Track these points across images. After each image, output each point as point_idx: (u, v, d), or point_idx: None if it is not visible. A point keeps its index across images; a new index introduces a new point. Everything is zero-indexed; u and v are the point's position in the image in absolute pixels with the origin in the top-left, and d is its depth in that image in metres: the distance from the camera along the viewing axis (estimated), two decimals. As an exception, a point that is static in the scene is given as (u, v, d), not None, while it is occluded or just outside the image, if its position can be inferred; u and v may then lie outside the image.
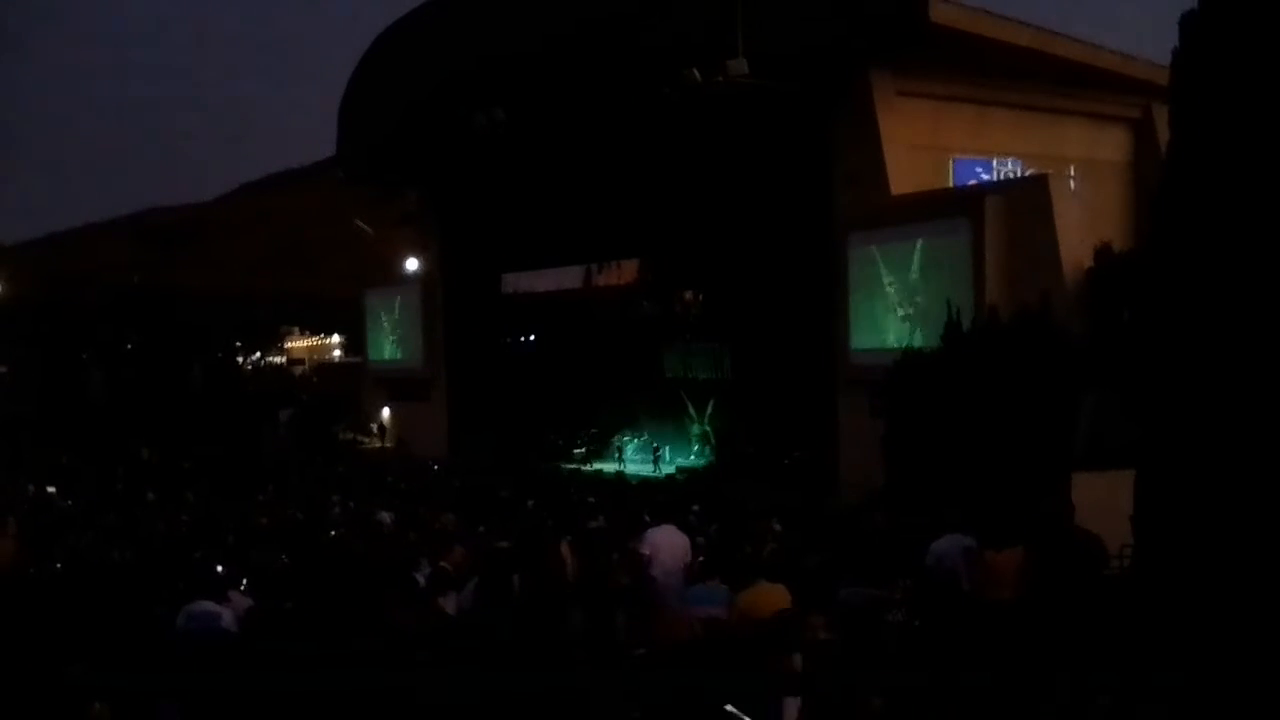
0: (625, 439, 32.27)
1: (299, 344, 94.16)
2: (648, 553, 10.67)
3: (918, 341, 21.47)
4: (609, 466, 30.59)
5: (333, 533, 16.40)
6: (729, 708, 5.41)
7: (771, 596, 8.15)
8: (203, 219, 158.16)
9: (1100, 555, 8.83)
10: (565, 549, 11.47)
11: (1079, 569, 8.14)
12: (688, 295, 31.48)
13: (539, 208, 32.45)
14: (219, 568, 11.18)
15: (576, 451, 32.63)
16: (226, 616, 8.91)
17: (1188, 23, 7.79)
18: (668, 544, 10.86)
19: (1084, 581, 8.04)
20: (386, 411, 39.81)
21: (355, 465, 32.46)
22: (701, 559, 10.78)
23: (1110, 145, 27.32)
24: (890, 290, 23.24)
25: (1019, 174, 25.20)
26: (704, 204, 27.68)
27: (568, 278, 33.05)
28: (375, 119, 34.40)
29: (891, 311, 23.19)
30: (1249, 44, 7.38)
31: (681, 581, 10.17)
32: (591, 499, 19.65)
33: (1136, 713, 4.80)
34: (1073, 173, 25.45)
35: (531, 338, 35.66)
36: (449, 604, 9.43)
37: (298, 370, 74.47)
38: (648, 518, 13.47)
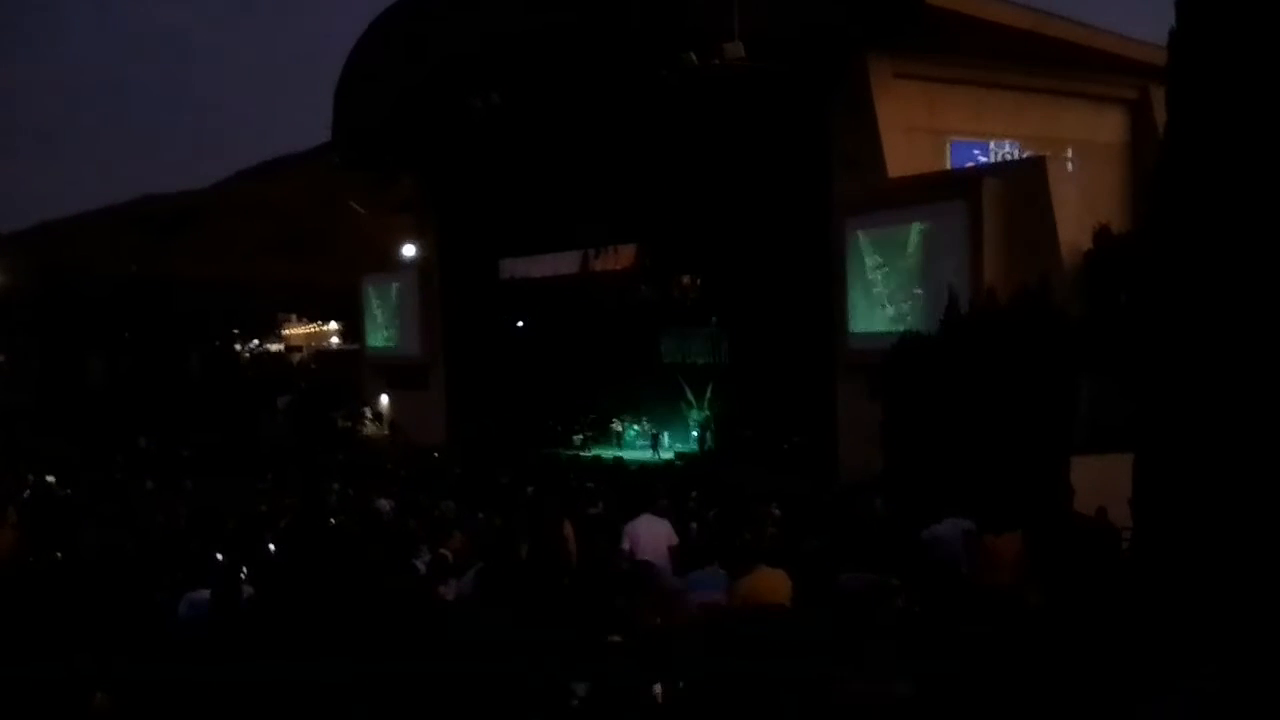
0: (624, 424, 32.29)
1: (296, 331, 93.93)
2: (627, 545, 10.65)
3: (915, 325, 21.47)
4: (608, 452, 30.62)
5: (332, 520, 16.41)
6: None
7: (771, 581, 8.15)
8: (199, 206, 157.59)
9: (1104, 540, 8.84)
10: (568, 528, 11.48)
11: (1079, 553, 8.15)
12: (685, 280, 31.47)
13: (536, 193, 32.38)
14: (218, 556, 11.20)
15: (575, 438, 32.66)
16: (226, 605, 8.92)
17: (1184, 3, 7.77)
18: (648, 533, 10.83)
19: (1084, 566, 8.05)
20: (385, 399, 39.80)
21: (354, 452, 32.48)
22: (676, 544, 10.76)
23: (1108, 127, 27.28)
24: (887, 273, 23.23)
25: (1016, 156, 25.18)
26: (701, 188, 27.63)
27: (565, 263, 33.01)
28: (371, 104, 34.29)
29: (888, 295, 23.19)
30: (1245, 25, 7.35)
31: (667, 568, 10.14)
32: (590, 484, 19.67)
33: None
34: (1070, 155, 25.41)
35: (521, 324, 35.67)
36: (449, 591, 9.44)
37: (295, 357, 74.33)
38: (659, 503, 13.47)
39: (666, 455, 29.48)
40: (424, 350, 37.30)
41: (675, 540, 10.92)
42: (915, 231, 22.66)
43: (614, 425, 32.55)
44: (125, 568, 10.92)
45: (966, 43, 23.23)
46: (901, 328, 21.65)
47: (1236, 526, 7.06)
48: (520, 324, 35.56)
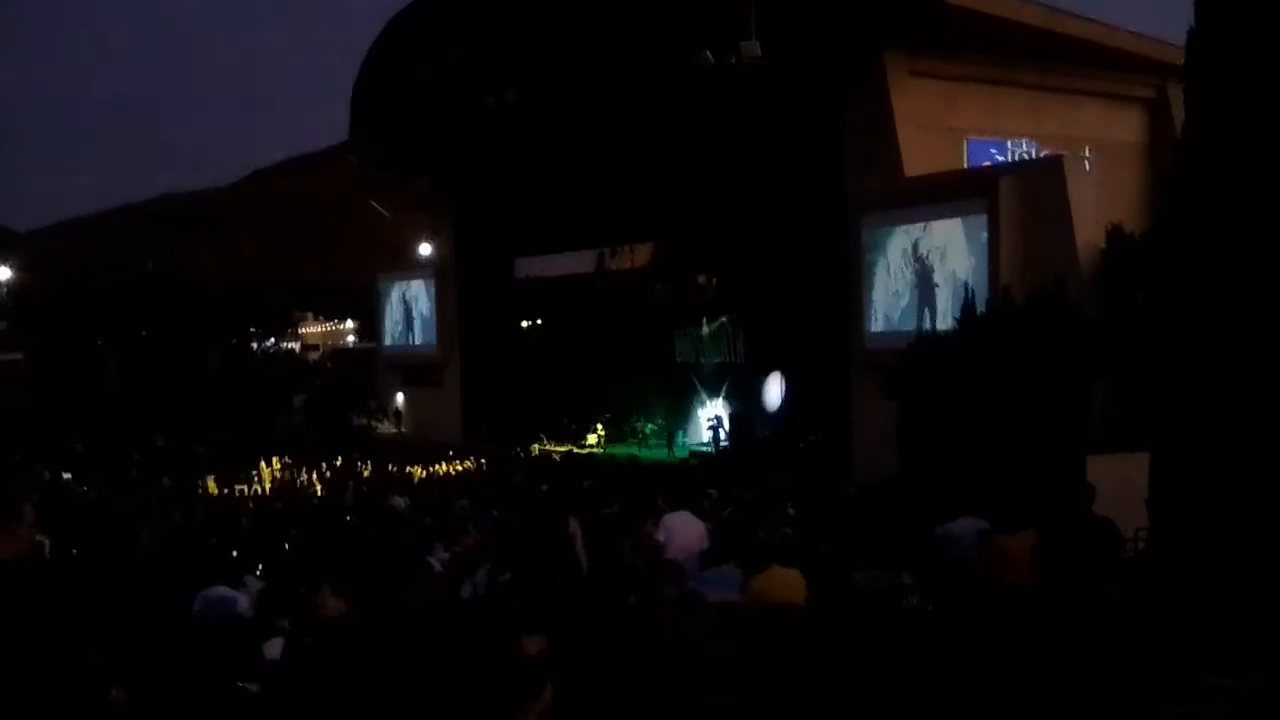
0: (639, 423, 32.29)
1: (313, 330, 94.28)
2: (662, 538, 10.66)
3: (931, 324, 21.42)
4: (623, 451, 30.63)
5: (347, 517, 16.46)
6: None
7: (785, 581, 8.13)
8: (216, 205, 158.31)
9: (1113, 540, 8.80)
10: (573, 525, 11.47)
11: (1092, 554, 8.11)
12: (701, 279, 31.46)
13: (552, 192, 32.40)
14: (234, 553, 11.24)
15: (590, 436, 32.67)
16: (242, 601, 8.95)
17: (1203, 3, 7.74)
18: (682, 529, 10.84)
19: (1098, 566, 8.01)
20: (400, 397, 39.88)
21: (369, 450, 32.55)
22: (706, 547, 10.75)
23: (1125, 126, 27.15)
24: (904, 273, 23.18)
25: (1033, 155, 25.08)
26: (717, 187, 27.60)
27: (581, 262, 33.04)
28: (388, 103, 34.37)
29: (905, 294, 23.13)
30: (1264, 24, 7.32)
31: (695, 566, 10.15)
32: (604, 484, 19.68)
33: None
34: (1088, 154, 25.30)
35: (539, 321, 35.80)
36: (464, 589, 9.44)
37: (312, 356, 74.54)
38: (661, 503, 13.47)
39: (681, 454, 29.46)
40: (439, 348, 37.38)
41: (707, 544, 10.88)
42: (931, 230, 22.61)
43: (629, 424, 32.55)
44: (140, 564, 10.97)
45: (983, 41, 23.16)
46: (917, 327, 21.60)
47: (1253, 525, 7.03)
48: (539, 322, 35.64)
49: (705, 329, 31.59)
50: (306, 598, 7.62)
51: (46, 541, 11.72)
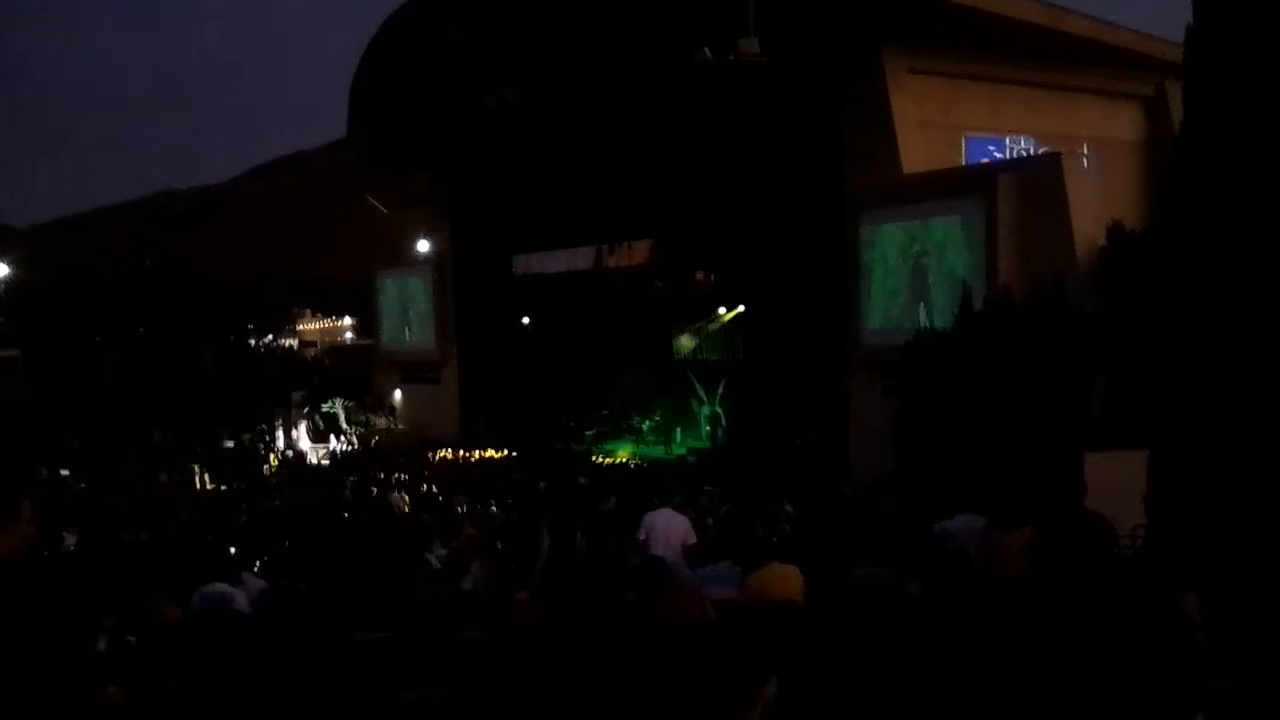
0: (637, 420, 32.28)
1: (311, 326, 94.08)
2: (643, 536, 10.66)
3: (930, 321, 21.43)
4: (621, 448, 30.63)
5: (345, 515, 16.47)
6: None
7: (783, 577, 8.12)
8: (213, 202, 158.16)
9: (1106, 536, 8.80)
10: (545, 536, 11.47)
11: (1086, 551, 8.10)
12: (700, 276, 31.43)
13: (550, 189, 32.32)
14: (232, 549, 11.23)
15: (588, 433, 32.67)
16: (240, 598, 8.93)
17: (1202, 0, 7.74)
18: (663, 527, 10.83)
19: (1091, 563, 8.00)
20: (398, 393, 39.87)
21: (367, 447, 32.59)
22: (693, 543, 10.74)
23: (1124, 123, 27.16)
24: (902, 270, 23.18)
25: (1032, 152, 25.08)
26: (716, 184, 27.55)
27: (579, 259, 33.00)
28: (386, 100, 34.29)
29: (903, 291, 23.13)
30: (1262, 22, 7.32)
31: (679, 563, 10.13)
32: (601, 480, 19.71)
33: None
34: (1086, 151, 25.29)
35: (526, 320, 35.79)
36: (464, 585, 9.44)
37: (310, 352, 74.46)
38: (656, 500, 13.49)
39: (679, 451, 29.47)
40: (437, 345, 37.35)
41: (693, 538, 10.87)
42: (930, 227, 22.61)
43: (627, 421, 32.54)
44: (138, 561, 10.96)
45: (982, 38, 23.15)
46: (916, 324, 21.60)
47: (1251, 523, 7.04)
48: (526, 320, 35.59)
49: (684, 337, 31.72)
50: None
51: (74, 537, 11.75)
